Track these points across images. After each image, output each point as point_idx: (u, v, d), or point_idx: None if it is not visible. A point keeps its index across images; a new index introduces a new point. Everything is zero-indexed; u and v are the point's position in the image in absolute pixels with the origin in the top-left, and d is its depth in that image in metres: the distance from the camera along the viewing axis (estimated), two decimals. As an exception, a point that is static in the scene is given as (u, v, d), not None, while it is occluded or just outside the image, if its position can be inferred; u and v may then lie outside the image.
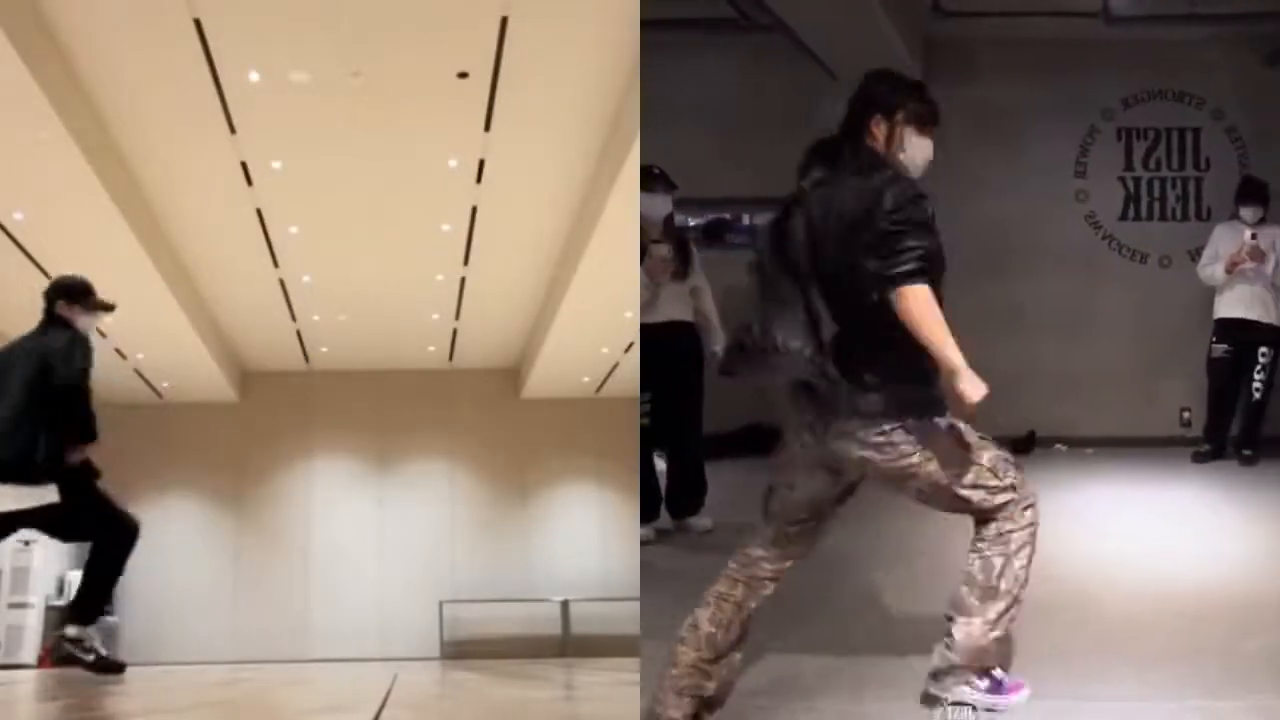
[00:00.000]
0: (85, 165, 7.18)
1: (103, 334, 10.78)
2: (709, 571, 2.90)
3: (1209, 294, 6.91)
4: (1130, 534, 4.40)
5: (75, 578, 12.14)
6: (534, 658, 10.75)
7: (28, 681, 5.98)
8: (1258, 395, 6.76)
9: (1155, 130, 7.71)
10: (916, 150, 2.84)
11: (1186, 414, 7.35)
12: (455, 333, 12.13)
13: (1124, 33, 7.35)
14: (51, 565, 11.95)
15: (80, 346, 5.00)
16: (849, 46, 7.06)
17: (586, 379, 12.76)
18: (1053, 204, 7.80)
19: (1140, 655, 3.10)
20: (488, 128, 7.61)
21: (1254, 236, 6.58)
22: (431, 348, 12.55)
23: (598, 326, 10.51)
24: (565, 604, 12.42)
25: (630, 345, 10.96)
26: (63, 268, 9.13)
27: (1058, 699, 2.83)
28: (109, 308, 5.16)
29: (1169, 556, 4.26)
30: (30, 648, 11.05)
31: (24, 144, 6.87)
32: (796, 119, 7.69)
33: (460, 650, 12.21)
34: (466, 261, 10.02)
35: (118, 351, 11.39)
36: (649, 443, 5.36)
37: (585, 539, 13.10)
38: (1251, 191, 6.75)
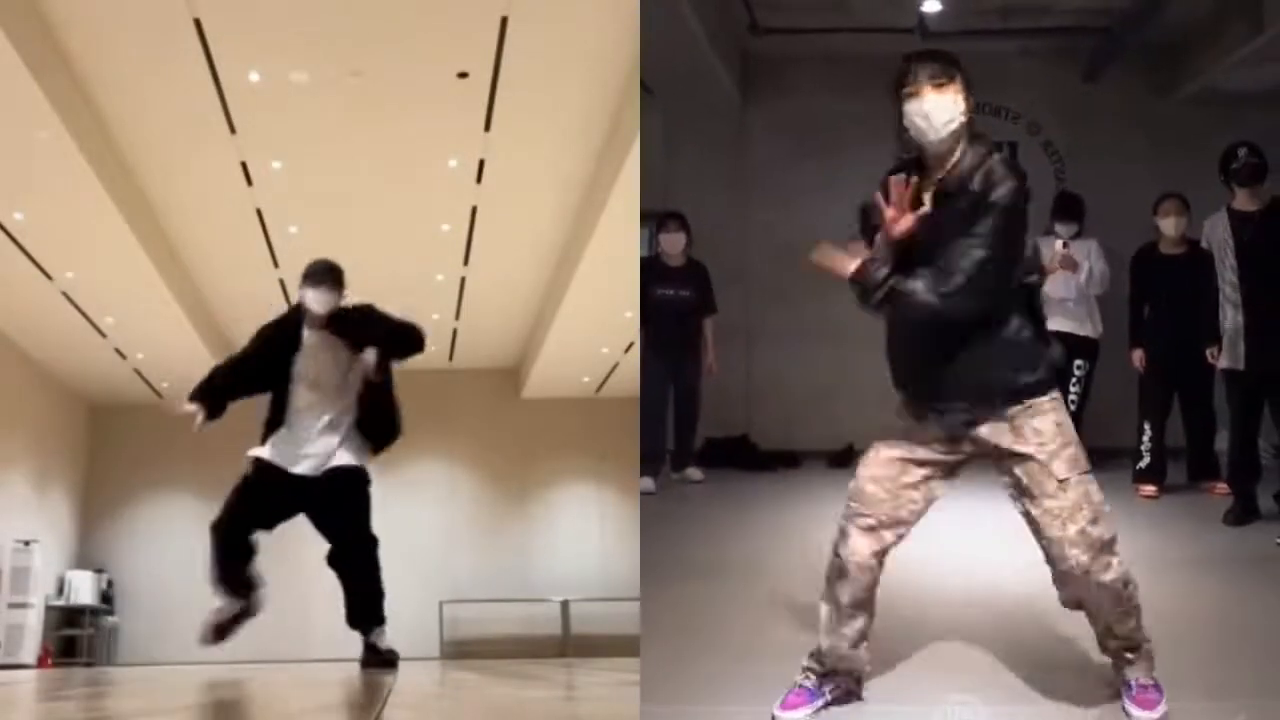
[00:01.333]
0: (85, 165, 7.19)
1: (103, 334, 10.80)
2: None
3: None
4: (948, 545, 4.24)
5: (75, 578, 12.21)
6: (534, 658, 10.75)
7: (28, 681, 5.98)
8: (1073, 408, 6.47)
9: None
10: (912, 116, 2.78)
11: None
12: (455, 333, 12.13)
13: (939, 47, 7.24)
14: (51, 565, 11.96)
15: None
16: (665, 62, 7.03)
17: (586, 379, 12.77)
18: (869, 219, 7.77)
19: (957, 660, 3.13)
20: (488, 128, 7.61)
21: (1065, 245, 6.42)
22: (431, 348, 12.51)
23: (598, 326, 10.51)
24: (565, 604, 12.42)
25: (630, 345, 10.96)
26: (63, 268, 9.19)
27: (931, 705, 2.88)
28: None
29: (974, 567, 4.22)
30: (30, 648, 11.04)
31: (24, 144, 6.87)
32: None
33: (460, 650, 12.21)
34: (466, 261, 10.02)
35: (118, 351, 11.40)
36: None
37: (585, 539, 13.10)
38: (1065, 206, 6.59)
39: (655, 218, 6.84)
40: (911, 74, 2.79)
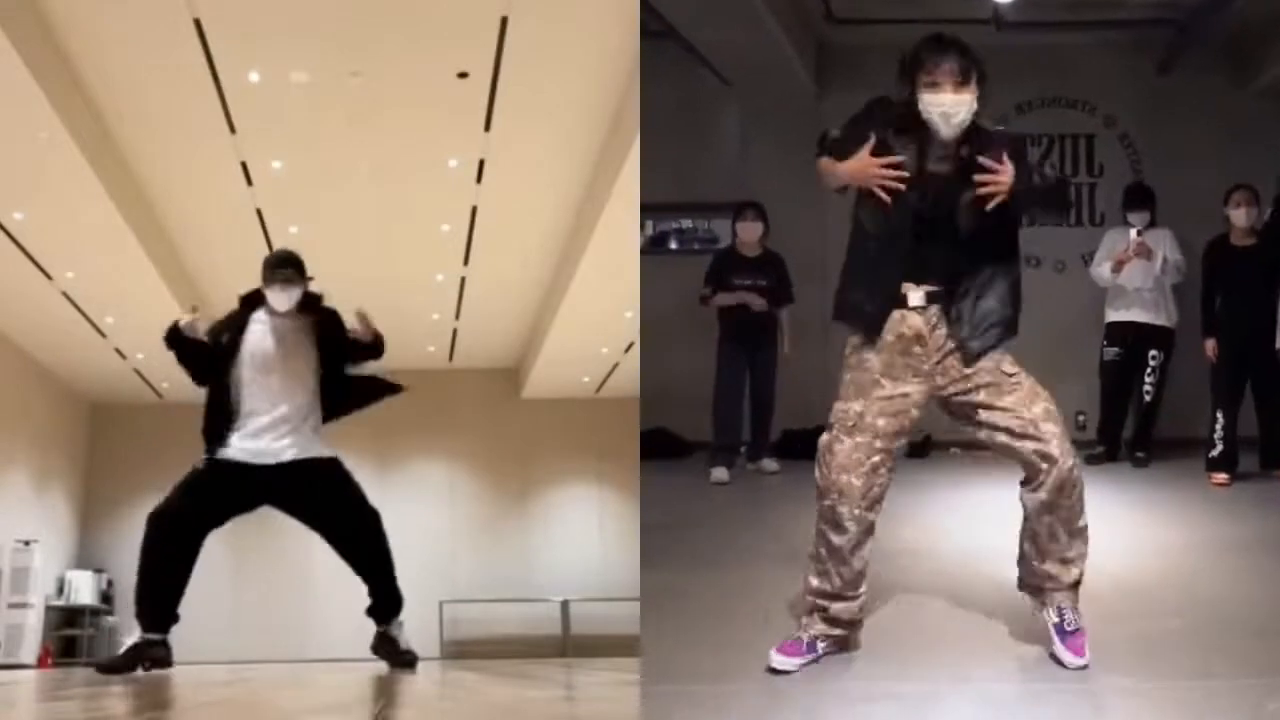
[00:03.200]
0: (85, 165, 7.19)
1: (103, 334, 10.80)
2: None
3: (1104, 298, 6.85)
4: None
5: (75, 578, 12.21)
6: (534, 658, 10.75)
7: (28, 681, 5.98)
8: (1148, 397, 6.67)
9: (1048, 137, 7.67)
10: (930, 109, 2.98)
11: (1082, 417, 7.24)
12: (455, 333, 12.13)
13: (1015, 39, 7.17)
14: (51, 565, 11.96)
15: None
16: (741, 53, 7.08)
17: (586, 379, 12.77)
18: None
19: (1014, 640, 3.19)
20: (488, 128, 7.61)
21: (1140, 233, 6.50)
22: (431, 347, 12.54)
23: (598, 326, 10.51)
24: (565, 604, 12.42)
25: (630, 345, 10.96)
26: (63, 267, 9.19)
27: (931, 683, 2.92)
28: None
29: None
30: (30, 648, 11.04)
31: (24, 144, 6.87)
32: (691, 126, 7.77)
33: (460, 650, 12.20)
34: (466, 261, 10.02)
35: (118, 351, 11.40)
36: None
37: (585, 539, 13.10)
38: (1135, 196, 6.69)
39: (732, 208, 6.74)
40: (934, 64, 2.95)
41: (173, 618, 4.64)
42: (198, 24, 6.32)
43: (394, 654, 5.09)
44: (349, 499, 4.86)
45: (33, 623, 11.15)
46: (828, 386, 8.54)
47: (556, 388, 12.95)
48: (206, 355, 4.87)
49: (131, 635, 4.72)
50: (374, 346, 4.89)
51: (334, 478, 4.82)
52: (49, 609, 11.76)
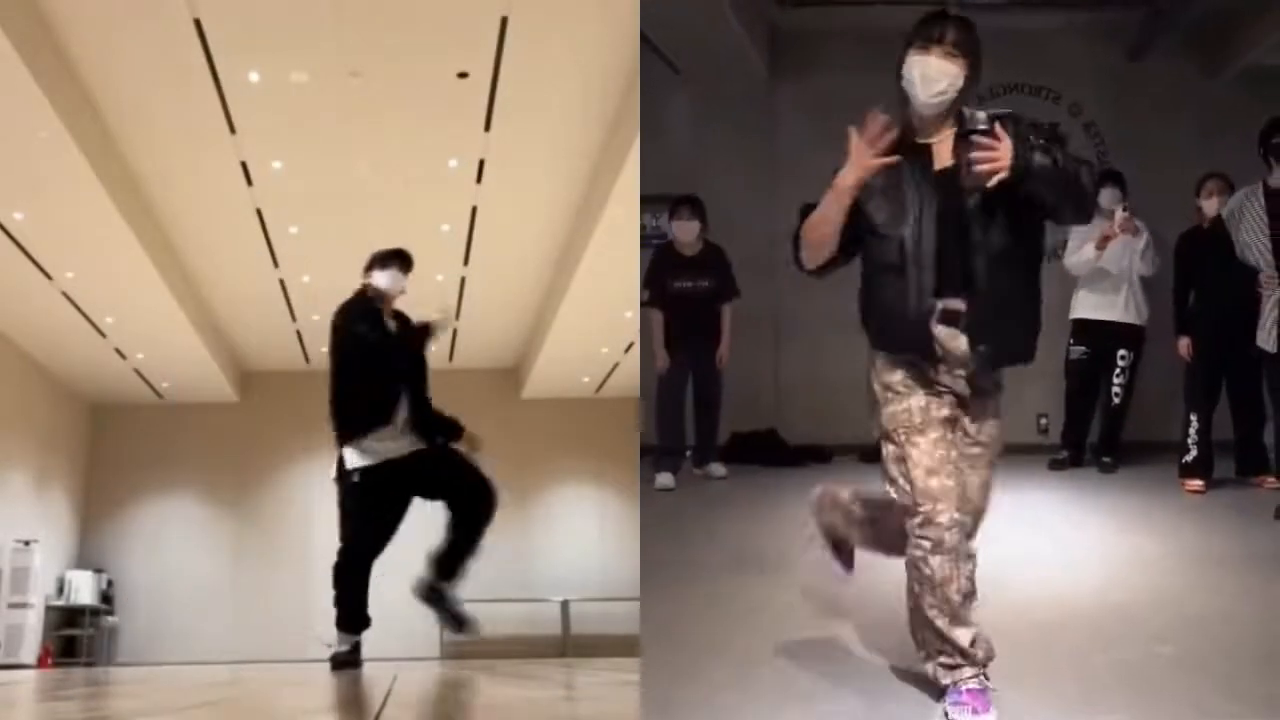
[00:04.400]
0: (85, 165, 7.18)
1: (103, 334, 10.80)
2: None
3: (1069, 294, 6.50)
4: (983, 543, 4.29)
5: (75, 578, 12.20)
6: (534, 658, 10.74)
7: (28, 681, 5.98)
8: (1117, 400, 6.35)
9: None
10: (912, 68, 2.80)
11: (1044, 420, 7.01)
12: (455, 333, 12.12)
13: (975, 21, 7.10)
14: (51, 565, 11.96)
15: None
16: (694, 40, 6.80)
17: (586, 379, 12.76)
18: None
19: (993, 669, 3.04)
20: (488, 128, 7.61)
21: (1125, 209, 6.14)
22: (431, 347, 12.53)
23: (598, 326, 10.51)
24: (565, 604, 12.41)
25: (630, 345, 10.95)
26: (63, 267, 9.18)
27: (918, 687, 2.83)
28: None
29: (1023, 566, 4.05)
30: (30, 648, 11.04)
31: (24, 144, 6.87)
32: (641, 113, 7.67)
33: (460, 650, 12.17)
34: (466, 261, 10.02)
35: (118, 351, 11.39)
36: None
37: (585, 539, 13.09)
38: (1110, 176, 6.29)
39: (669, 202, 6.54)
40: (928, 31, 2.80)
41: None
42: (198, 24, 6.31)
43: (446, 608, 5.35)
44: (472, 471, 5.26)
45: (33, 623, 11.15)
46: (778, 386, 8.39)
47: (556, 388, 12.94)
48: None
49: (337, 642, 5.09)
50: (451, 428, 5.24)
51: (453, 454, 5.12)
52: (49, 609, 11.76)
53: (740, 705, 2.88)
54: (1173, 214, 6.24)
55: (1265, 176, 5.16)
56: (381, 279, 4.99)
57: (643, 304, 6.42)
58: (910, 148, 2.81)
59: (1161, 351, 6.11)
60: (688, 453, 6.50)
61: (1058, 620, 3.44)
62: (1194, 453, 5.69)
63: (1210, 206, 5.80)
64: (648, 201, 7.31)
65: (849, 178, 2.80)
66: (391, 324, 5.03)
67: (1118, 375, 6.38)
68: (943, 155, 2.80)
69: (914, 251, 2.74)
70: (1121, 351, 6.36)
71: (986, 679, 2.66)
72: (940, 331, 2.75)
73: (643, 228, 7.76)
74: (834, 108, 8.40)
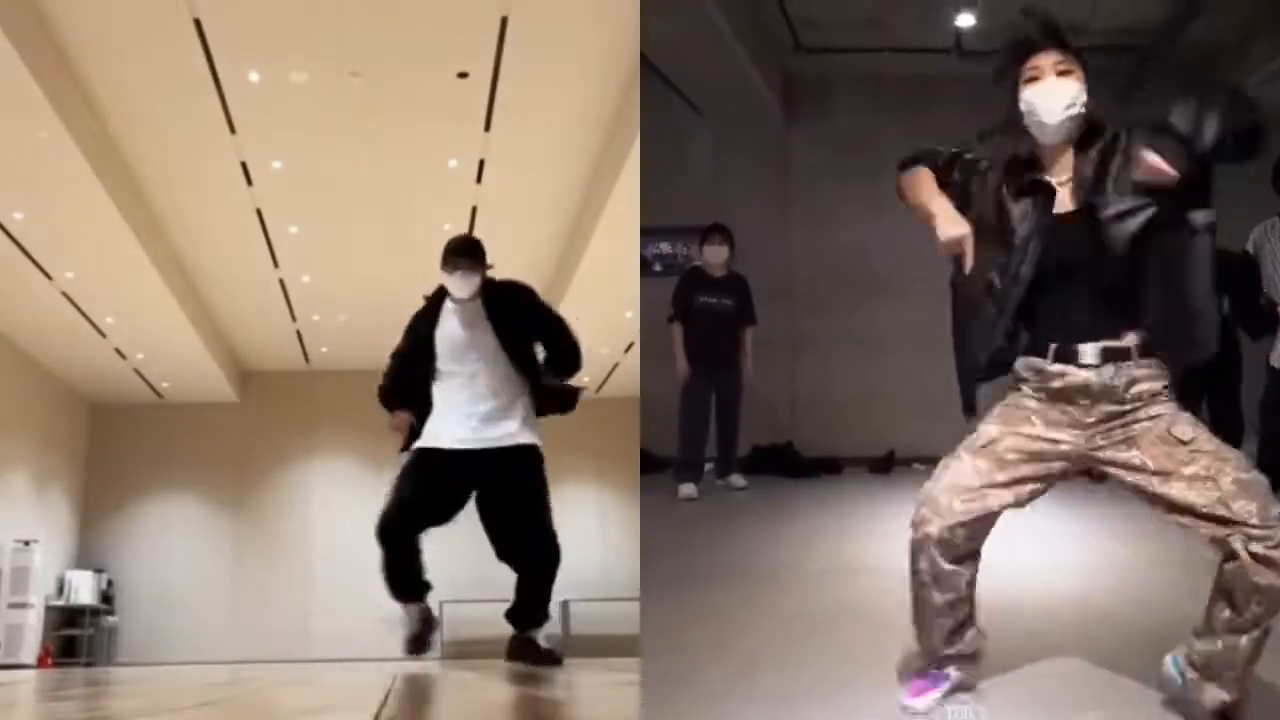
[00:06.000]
0: (85, 165, 7.19)
1: (103, 334, 10.80)
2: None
3: None
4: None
5: (75, 578, 12.21)
6: (534, 658, 10.73)
7: (28, 681, 5.98)
8: None
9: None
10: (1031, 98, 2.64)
11: None
12: (455, 333, 12.13)
13: (976, 67, 7.26)
14: (51, 565, 11.97)
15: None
16: (711, 82, 7.26)
17: (586, 379, 12.75)
18: (910, 233, 7.78)
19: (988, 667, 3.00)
20: (488, 128, 7.62)
21: None
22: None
23: (598, 326, 10.50)
24: (565, 604, 12.41)
25: (630, 345, 10.96)
26: (63, 268, 9.19)
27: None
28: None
29: (1019, 572, 4.09)
30: (30, 648, 11.05)
31: (24, 144, 6.88)
32: (664, 152, 7.73)
33: (460, 650, 12.18)
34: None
35: (118, 351, 11.40)
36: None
37: (585, 539, 13.08)
38: None
39: (700, 230, 6.89)
40: (1030, 55, 2.64)
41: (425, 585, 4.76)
42: (198, 24, 6.32)
43: (535, 654, 4.89)
44: (527, 490, 4.75)
45: (33, 623, 11.16)
46: (794, 404, 8.72)
47: (556, 388, 12.94)
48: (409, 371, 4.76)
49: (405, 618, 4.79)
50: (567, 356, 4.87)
51: (528, 476, 4.74)
52: (49, 609, 11.77)
53: (740, 706, 2.88)
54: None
55: (1278, 209, 5.31)
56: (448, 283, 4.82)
57: (669, 319, 6.71)
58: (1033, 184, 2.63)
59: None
60: (708, 465, 6.78)
61: (1045, 624, 3.48)
62: None
63: None
64: (670, 232, 7.81)
65: (942, 229, 2.64)
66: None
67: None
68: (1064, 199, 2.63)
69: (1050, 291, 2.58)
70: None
71: (965, 680, 2.71)
72: (1086, 373, 2.59)
73: (658, 256, 8.25)
74: (845, 146, 8.22)
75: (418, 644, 4.76)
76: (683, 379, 6.61)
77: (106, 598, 12.56)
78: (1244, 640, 2.40)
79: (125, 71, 6.83)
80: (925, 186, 2.70)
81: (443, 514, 4.66)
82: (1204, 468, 2.39)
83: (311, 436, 13.40)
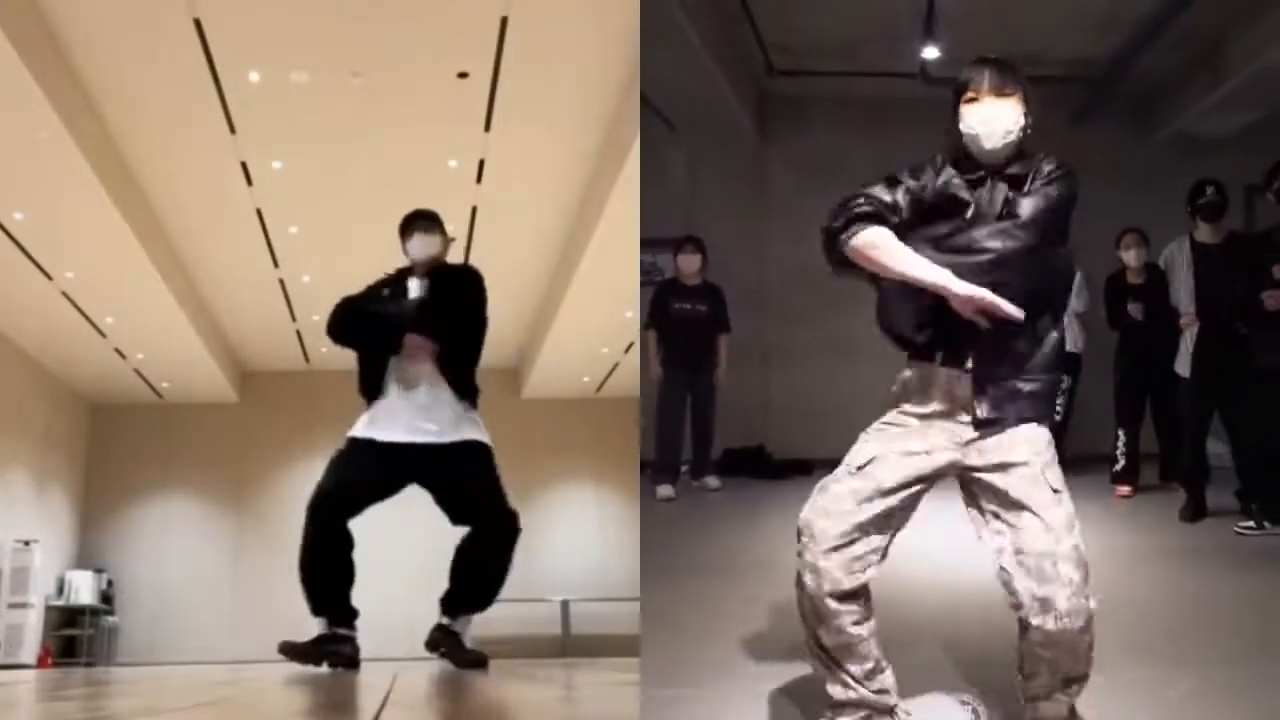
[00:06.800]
0: (85, 165, 7.19)
1: (103, 334, 10.80)
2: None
3: None
4: (969, 555, 4.34)
5: (75, 578, 12.21)
6: (534, 658, 10.75)
7: (28, 681, 5.98)
8: (1058, 419, 6.85)
9: None
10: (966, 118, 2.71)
11: None
12: (455, 333, 12.14)
13: (942, 92, 7.41)
14: (51, 565, 11.97)
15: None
16: (690, 102, 7.46)
17: (586, 379, 12.77)
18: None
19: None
20: (488, 128, 7.62)
21: None
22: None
23: (598, 326, 10.51)
24: (565, 604, 12.41)
25: (630, 345, 10.96)
26: (63, 268, 9.19)
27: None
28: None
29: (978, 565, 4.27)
30: (30, 648, 11.05)
31: (24, 144, 6.88)
32: (644, 166, 7.84)
33: (460, 650, 12.19)
34: (466, 261, 10.02)
35: (118, 351, 11.40)
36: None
37: (585, 539, 13.10)
38: None
39: (674, 242, 7.11)
40: (975, 81, 2.72)
41: (351, 610, 4.58)
42: (198, 24, 6.32)
43: (458, 652, 4.73)
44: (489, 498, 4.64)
45: (33, 623, 11.16)
46: (767, 409, 9.04)
47: (556, 388, 12.95)
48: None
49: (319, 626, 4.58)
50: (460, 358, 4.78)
51: (480, 469, 4.63)
52: (49, 609, 11.77)
53: (739, 703, 2.89)
54: (1100, 258, 6.80)
55: (1191, 230, 5.82)
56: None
57: (643, 327, 7.00)
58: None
59: (1098, 376, 6.76)
60: (683, 466, 7.02)
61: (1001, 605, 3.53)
62: (1122, 463, 6.52)
63: (1128, 257, 6.41)
64: (647, 244, 8.01)
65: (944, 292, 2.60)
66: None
67: (1059, 398, 7.04)
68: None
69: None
70: (1063, 377, 6.98)
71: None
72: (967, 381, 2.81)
73: (640, 266, 8.42)
74: (818, 163, 8.78)
75: (300, 654, 4.57)
76: (658, 384, 6.88)
77: (106, 598, 12.56)
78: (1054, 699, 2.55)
79: (125, 71, 6.83)
80: (898, 254, 2.65)
81: (371, 501, 4.59)
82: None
83: (311, 436, 13.36)
